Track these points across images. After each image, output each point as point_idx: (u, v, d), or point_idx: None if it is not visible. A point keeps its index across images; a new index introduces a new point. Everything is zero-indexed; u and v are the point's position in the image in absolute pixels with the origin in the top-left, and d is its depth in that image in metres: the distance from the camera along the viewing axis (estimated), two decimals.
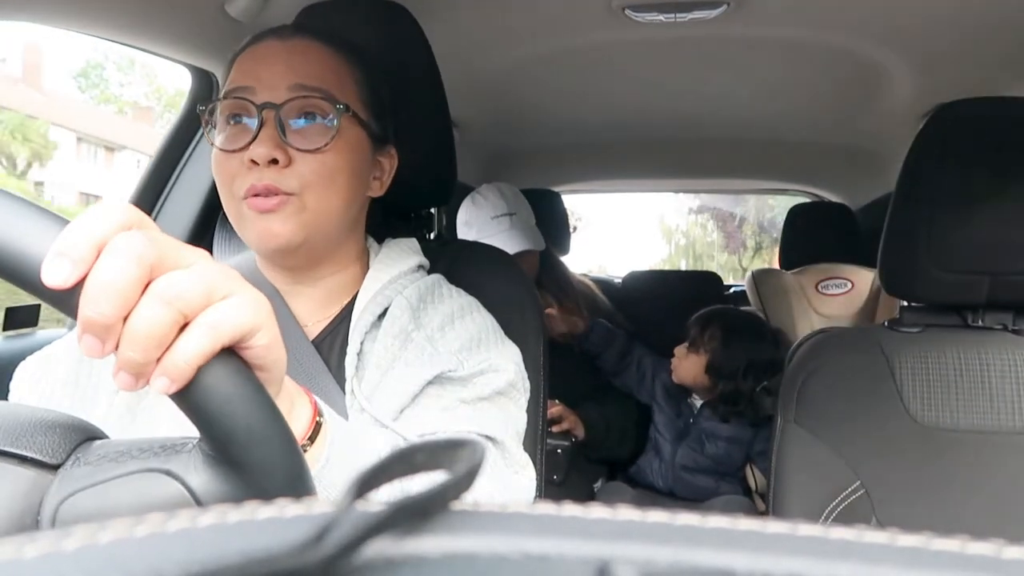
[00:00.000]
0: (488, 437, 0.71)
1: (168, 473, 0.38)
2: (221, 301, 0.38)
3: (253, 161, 0.69)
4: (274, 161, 0.69)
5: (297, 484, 0.39)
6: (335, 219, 0.75)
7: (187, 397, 0.37)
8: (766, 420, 1.70)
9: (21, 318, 1.15)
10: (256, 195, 0.70)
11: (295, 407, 0.49)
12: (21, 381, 0.74)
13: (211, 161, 0.74)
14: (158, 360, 0.36)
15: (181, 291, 0.36)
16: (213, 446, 0.38)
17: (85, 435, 0.41)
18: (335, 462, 0.51)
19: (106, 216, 0.36)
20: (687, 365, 1.81)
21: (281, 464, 0.38)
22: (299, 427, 0.49)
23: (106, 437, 0.43)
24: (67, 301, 0.35)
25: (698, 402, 1.84)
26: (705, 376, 1.78)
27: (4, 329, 1.15)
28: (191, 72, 1.27)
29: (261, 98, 0.70)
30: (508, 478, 0.72)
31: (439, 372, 0.72)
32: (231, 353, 0.38)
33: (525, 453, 0.76)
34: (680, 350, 1.84)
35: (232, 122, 0.72)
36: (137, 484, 0.38)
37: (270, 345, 0.40)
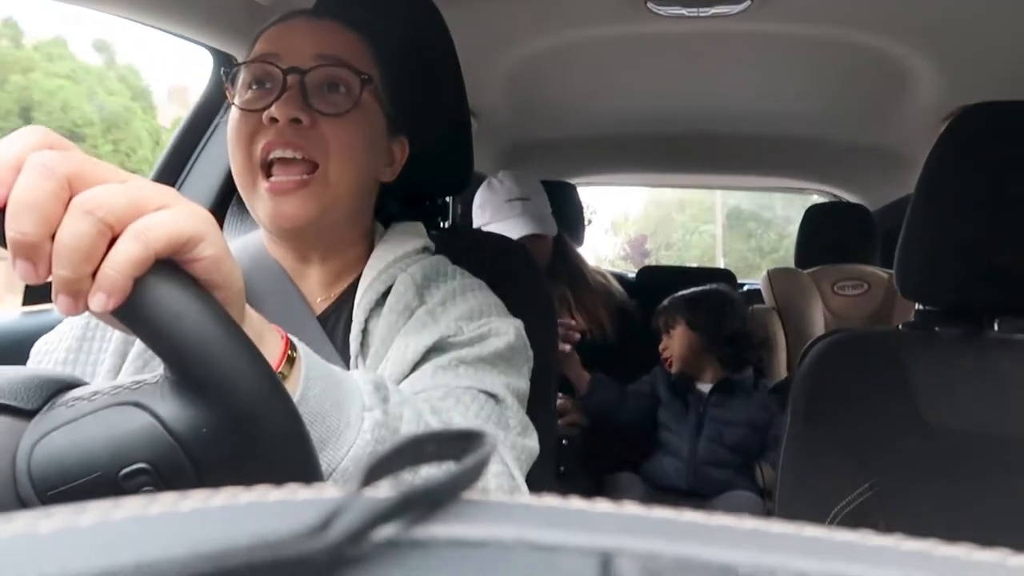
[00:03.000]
0: (489, 394, 0.70)
1: (136, 404, 0.38)
2: (154, 212, 0.37)
3: (274, 119, 0.69)
4: (296, 121, 0.69)
5: (273, 402, 0.38)
6: (351, 195, 0.75)
7: (131, 314, 0.36)
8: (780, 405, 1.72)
9: (39, 294, 1.16)
10: (275, 174, 0.70)
11: (263, 338, 0.47)
12: (30, 360, 0.75)
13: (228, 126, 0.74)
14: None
15: (103, 201, 0.35)
16: (172, 368, 0.37)
17: (63, 384, 0.41)
18: (311, 396, 0.48)
19: (20, 140, 0.36)
20: (679, 341, 1.86)
21: (247, 379, 0.37)
22: (269, 359, 0.46)
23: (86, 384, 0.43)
24: None
25: (705, 388, 1.82)
26: (698, 341, 1.84)
27: (23, 304, 1.16)
28: (212, 55, 1.27)
29: (287, 63, 0.71)
30: (513, 439, 0.71)
31: (438, 338, 0.72)
32: (172, 264, 0.37)
33: (527, 416, 0.75)
34: (667, 339, 1.89)
35: (255, 86, 0.73)
36: (107, 419, 0.38)
37: (217, 257, 0.39)
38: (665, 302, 1.95)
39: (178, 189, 1.29)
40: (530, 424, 0.75)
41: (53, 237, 0.35)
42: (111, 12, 1.02)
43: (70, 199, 0.36)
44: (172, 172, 1.31)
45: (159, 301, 0.36)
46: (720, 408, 1.78)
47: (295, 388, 0.48)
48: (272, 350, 0.47)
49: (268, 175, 0.71)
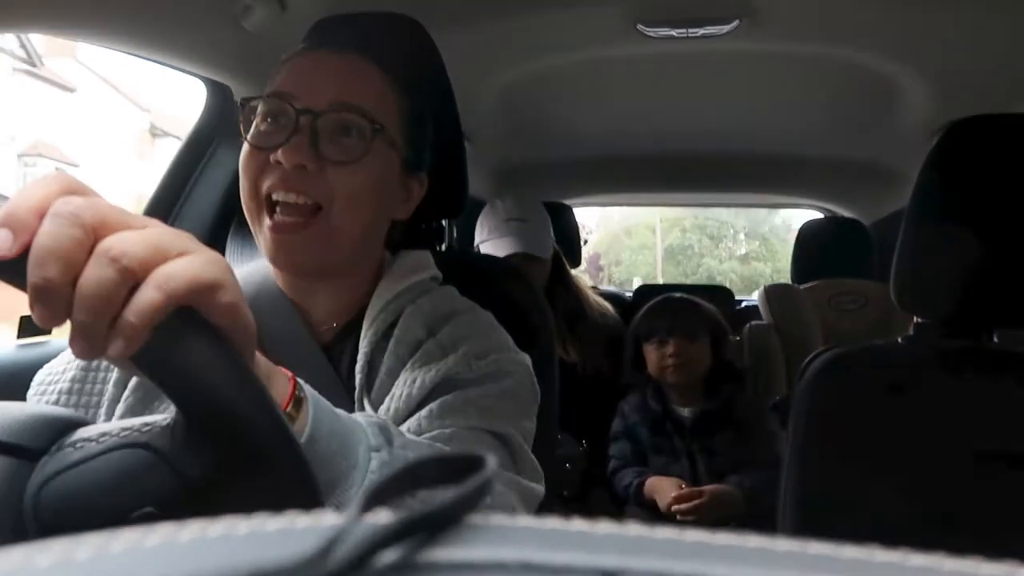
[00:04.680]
0: (497, 435, 0.70)
1: (146, 447, 0.38)
2: (175, 259, 0.37)
3: (280, 163, 0.69)
4: (302, 167, 0.69)
5: (281, 445, 0.38)
6: (356, 239, 0.75)
7: (147, 360, 0.36)
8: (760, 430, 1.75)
9: (35, 326, 1.16)
10: (278, 212, 0.70)
11: (271, 379, 0.47)
12: (32, 389, 0.75)
13: (239, 159, 0.74)
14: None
15: (126, 249, 0.36)
16: (184, 412, 0.37)
17: (70, 424, 0.41)
18: (319, 437, 0.49)
19: (45, 186, 0.37)
20: (702, 354, 1.78)
21: (257, 423, 0.37)
22: (276, 400, 0.46)
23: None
24: (18, 274, 0.35)
25: (685, 412, 1.77)
26: (712, 361, 1.79)
27: (18, 337, 1.15)
28: (206, 85, 1.28)
29: (301, 103, 0.71)
30: (521, 484, 0.70)
31: (447, 374, 0.71)
32: (190, 312, 0.37)
33: (534, 458, 0.75)
34: (683, 346, 1.77)
35: (268, 120, 0.73)
36: (116, 461, 0.38)
37: (234, 304, 0.39)
38: (679, 306, 1.85)
39: (173, 219, 1.29)
40: (538, 467, 0.74)
41: (73, 283, 0.35)
42: (106, 45, 1.03)
43: (93, 245, 0.36)
44: (167, 202, 1.31)
45: (176, 348, 0.36)
46: (705, 436, 1.75)
47: (302, 429, 0.48)
48: (280, 391, 0.48)
49: (272, 212, 0.71)
